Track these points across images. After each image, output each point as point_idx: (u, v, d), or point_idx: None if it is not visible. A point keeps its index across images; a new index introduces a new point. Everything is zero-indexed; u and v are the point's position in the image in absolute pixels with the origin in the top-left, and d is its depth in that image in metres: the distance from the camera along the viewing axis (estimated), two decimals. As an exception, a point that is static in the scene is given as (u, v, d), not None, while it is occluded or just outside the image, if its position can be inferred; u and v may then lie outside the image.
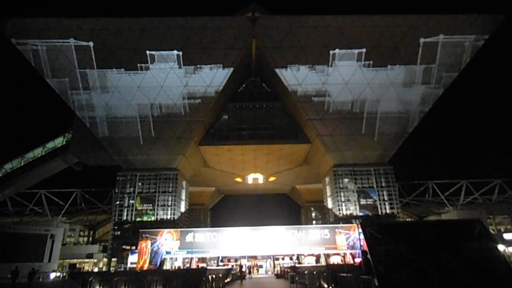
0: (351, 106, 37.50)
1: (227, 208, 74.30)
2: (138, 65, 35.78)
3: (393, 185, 39.79)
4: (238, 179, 54.25)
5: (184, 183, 43.90)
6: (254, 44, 36.72)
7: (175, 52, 35.49)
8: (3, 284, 28.00)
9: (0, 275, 31.50)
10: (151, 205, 38.94)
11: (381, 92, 37.10)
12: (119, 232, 37.92)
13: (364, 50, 35.77)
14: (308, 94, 37.03)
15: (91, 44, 34.79)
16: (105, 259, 41.75)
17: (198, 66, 36.00)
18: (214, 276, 21.23)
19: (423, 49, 35.84)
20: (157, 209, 38.68)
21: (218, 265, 35.10)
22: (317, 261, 34.97)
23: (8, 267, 30.23)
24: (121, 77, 35.97)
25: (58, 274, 37.20)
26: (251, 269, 37.69)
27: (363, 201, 39.16)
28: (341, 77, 36.47)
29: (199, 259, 35.69)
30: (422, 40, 35.59)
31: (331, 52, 35.72)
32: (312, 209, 62.94)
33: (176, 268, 32.72)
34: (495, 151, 65.69)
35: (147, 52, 35.47)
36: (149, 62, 35.77)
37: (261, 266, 40.59)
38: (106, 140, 38.16)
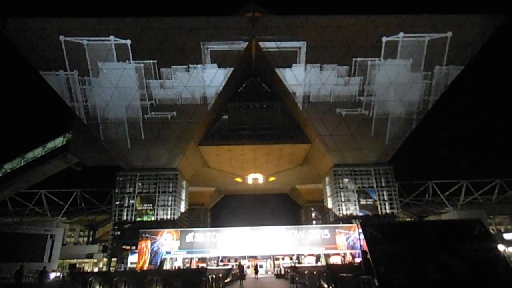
0: (352, 106, 37.49)
1: (227, 208, 74.40)
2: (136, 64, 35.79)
3: (393, 185, 39.81)
4: (238, 179, 54.24)
5: (184, 183, 43.89)
6: (254, 44, 36.74)
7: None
8: (7, 285, 27.31)
9: (-1, 275, 31.40)
10: (151, 205, 38.94)
11: (381, 91, 37.13)
12: (119, 232, 37.93)
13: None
14: (308, 94, 37.01)
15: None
16: (105, 259, 41.70)
17: (198, 66, 36.00)
18: (214, 276, 21.23)
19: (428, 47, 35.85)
20: (157, 209, 38.68)
21: (218, 265, 35.10)
22: (317, 261, 34.99)
23: (8, 267, 30.15)
24: (121, 76, 35.98)
25: (58, 274, 37.15)
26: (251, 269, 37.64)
27: (363, 201, 39.17)
28: (343, 77, 36.51)
29: (199, 259, 35.72)
30: (428, 38, 35.53)
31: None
32: (312, 209, 62.91)
33: (176, 268, 32.72)
34: (495, 151, 65.67)
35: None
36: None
37: (261, 266, 40.58)
38: (106, 140, 38.17)
